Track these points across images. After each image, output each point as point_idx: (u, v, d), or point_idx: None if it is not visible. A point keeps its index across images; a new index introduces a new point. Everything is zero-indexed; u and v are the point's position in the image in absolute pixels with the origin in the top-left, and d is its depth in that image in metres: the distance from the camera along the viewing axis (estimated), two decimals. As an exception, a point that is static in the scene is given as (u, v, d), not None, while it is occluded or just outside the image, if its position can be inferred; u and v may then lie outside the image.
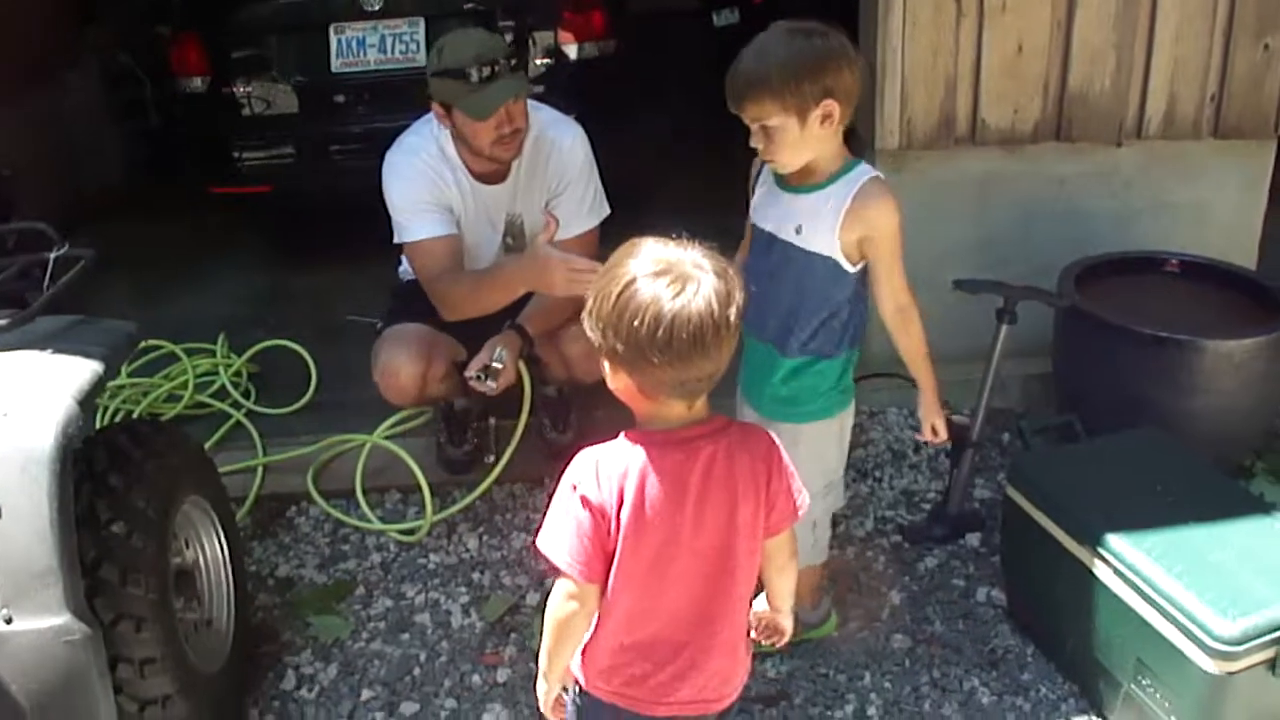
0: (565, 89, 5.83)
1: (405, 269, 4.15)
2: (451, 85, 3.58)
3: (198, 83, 5.97)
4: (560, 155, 3.87)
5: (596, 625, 2.16)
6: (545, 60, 5.84)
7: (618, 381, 2.04)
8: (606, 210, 3.97)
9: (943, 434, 3.15)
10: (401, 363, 3.84)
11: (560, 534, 2.04)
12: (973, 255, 4.42)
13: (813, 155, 2.79)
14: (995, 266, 4.12)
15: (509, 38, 5.83)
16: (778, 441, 2.20)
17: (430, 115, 3.77)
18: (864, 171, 2.83)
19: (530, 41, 5.85)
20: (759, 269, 2.98)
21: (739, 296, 1.96)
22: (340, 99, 5.83)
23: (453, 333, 3.89)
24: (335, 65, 5.74)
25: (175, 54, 6.02)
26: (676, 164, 6.79)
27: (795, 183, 2.88)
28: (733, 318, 1.94)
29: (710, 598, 2.15)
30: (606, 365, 2.03)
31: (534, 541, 2.12)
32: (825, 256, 2.85)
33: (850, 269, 2.87)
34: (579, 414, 4.27)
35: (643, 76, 6.53)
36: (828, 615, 3.48)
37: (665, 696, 2.20)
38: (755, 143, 2.79)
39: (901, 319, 2.97)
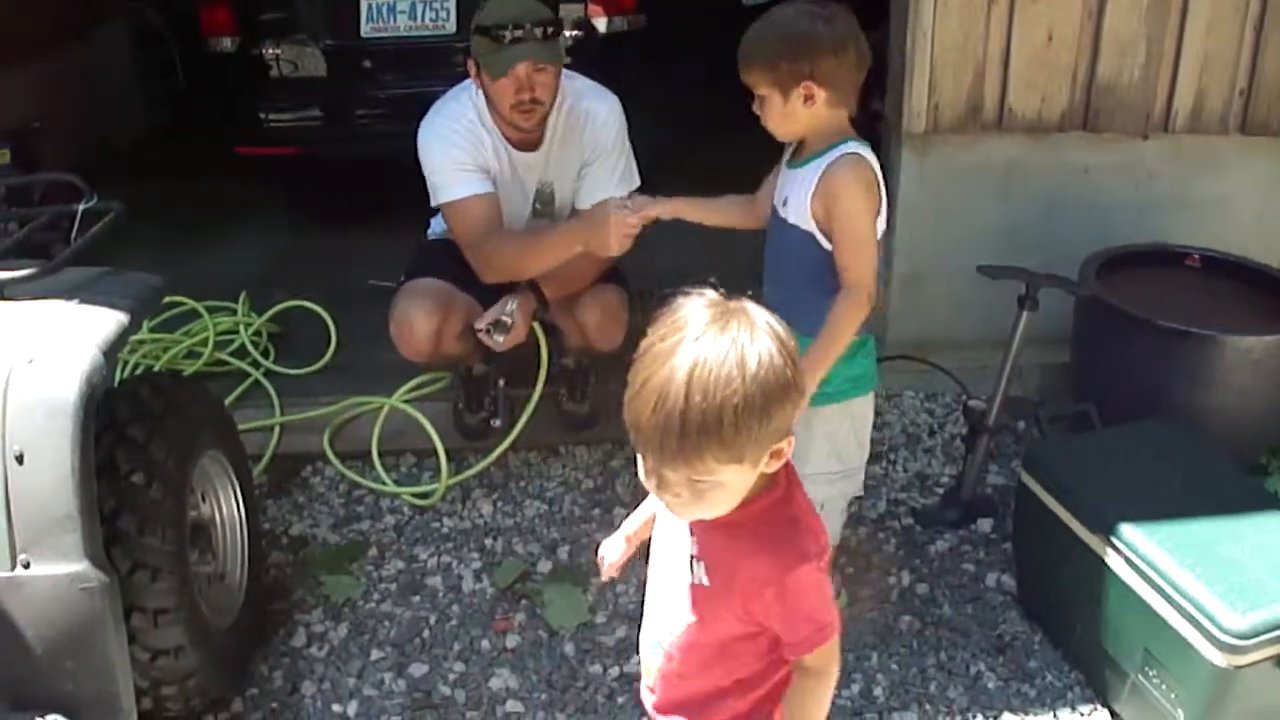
0: (593, 63, 5.81)
1: (434, 229, 4.17)
2: (482, 42, 3.61)
3: (226, 43, 5.96)
4: (595, 126, 3.88)
5: None
6: (574, 33, 5.82)
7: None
8: (637, 181, 3.96)
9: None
10: (417, 315, 3.84)
11: (829, 607, 1.94)
12: (995, 242, 4.42)
13: (802, 130, 2.87)
14: (1017, 254, 4.11)
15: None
16: None
17: (469, 82, 3.79)
18: (845, 148, 2.84)
19: (558, 13, 5.84)
20: (768, 246, 3.07)
21: None
22: (368, 64, 5.83)
23: (471, 294, 3.90)
24: (365, 30, 5.74)
25: (205, 14, 6.01)
26: (704, 141, 6.77)
27: (796, 158, 2.95)
28: None
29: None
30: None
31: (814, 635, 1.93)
32: (804, 230, 2.89)
33: (828, 245, 2.88)
34: (597, 385, 4.28)
35: (671, 52, 6.53)
36: (837, 594, 3.49)
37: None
38: (755, 108, 2.88)
39: (843, 297, 2.84)
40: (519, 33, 3.56)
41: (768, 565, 1.87)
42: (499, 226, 3.78)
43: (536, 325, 3.93)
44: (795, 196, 2.89)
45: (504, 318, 3.69)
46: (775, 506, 1.89)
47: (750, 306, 1.77)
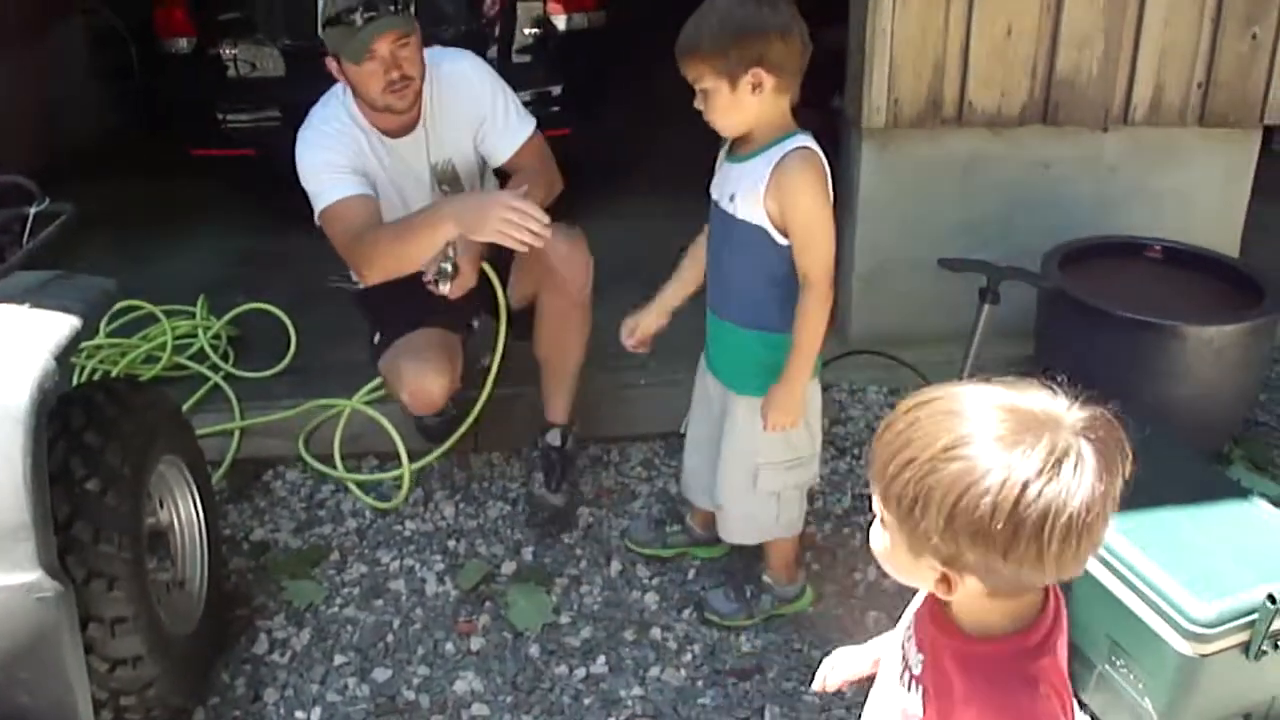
0: (553, 60, 5.81)
1: None
2: (334, 33, 3.44)
3: (183, 44, 5.91)
4: (469, 84, 3.72)
5: None
6: (533, 30, 5.80)
7: (960, 591, 1.54)
8: (532, 119, 3.81)
9: (790, 424, 3.00)
10: (430, 378, 3.63)
11: None
12: (956, 236, 4.42)
13: (749, 122, 2.84)
14: (978, 248, 4.11)
15: (495, 11, 5.81)
16: None
17: (337, 88, 3.66)
18: (793, 141, 2.83)
19: (517, 11, 5.81)
20: (713, 241, 3.07)
21: (1121, 462, 1.47)
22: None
23: (451, 321, 3.78)
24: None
25: (161, 14, 5.95)
26: (664, 139, 6.76)
27: (737, 151, 2.94)
28: (1118, 490, 1.47)
29: None
30: (947, 573, 1.51)
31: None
32: (754, 225, 2.89)
33: (781, 241, 2.88)
34: (576, 469, 4.11)
35: (631, 50, 6.51)
36: (803, 590, 3.48)
37: None
38: (697, 104, 2.84)
39: (805, 298, 2.89)
40: (371, 13, 3.39)
41: None
42: (376, 221, 3.54)
43: (486, 266, 3.69)
44: (744, 191, 2.88)
45: (445, 264, 3.46)
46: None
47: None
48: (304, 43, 5.74)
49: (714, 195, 3.03)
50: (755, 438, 3.08)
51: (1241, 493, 3.17)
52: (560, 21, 5.85)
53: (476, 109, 3.73)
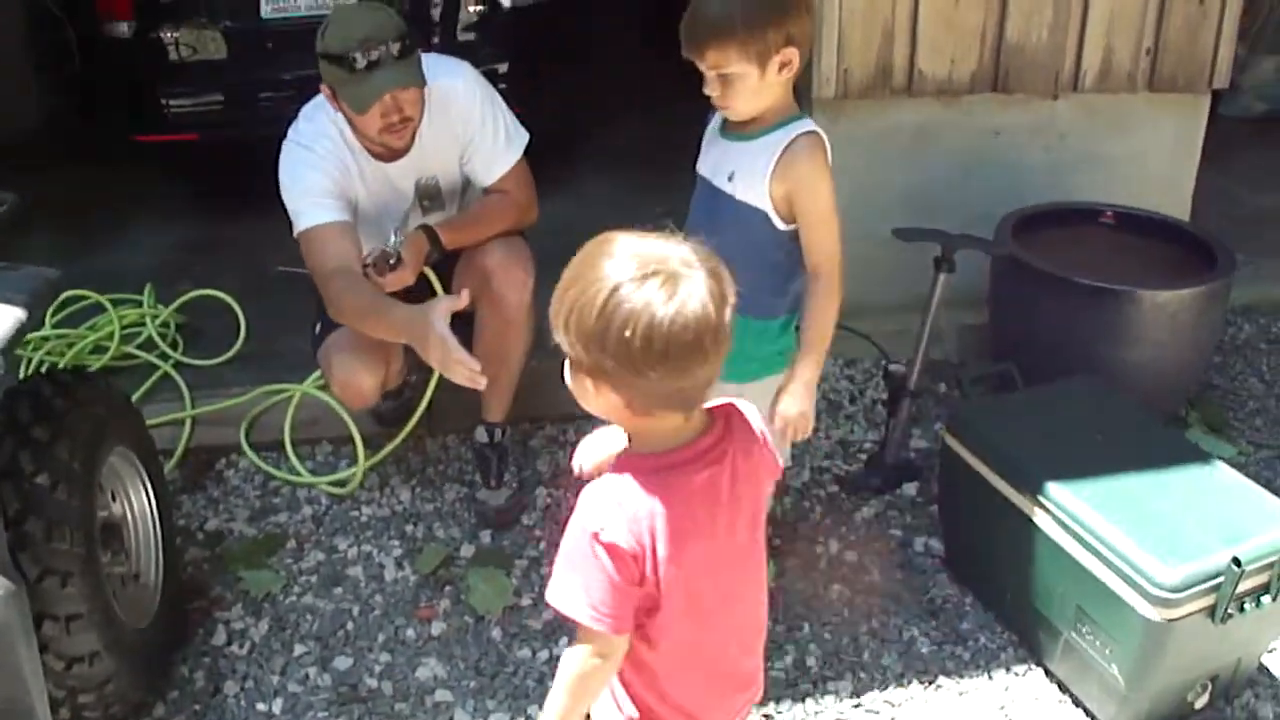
0: (500, 37, 5.75)
1: None
2: (334, 70, 3.33)
3: (123, 27, 5.80)
4: (459, 102, 3.61)
5: (644, 685, 1.97)
6: (479, 8, 5.74)
7: (601, 400, 1.81)
8: (525, 135, 3.74)
9: (804, 430, 2.86)
10: (360, 375, 3.60)
11: (584, 586, 1.81)
12: (909, 205, 4.40)
13: (769, 103, 2.75)
14: (931, 217, 4.10)
15: None
16: (748, 406, 2.05)
17: (323, 98, 3.52)
18: (801, 125, 2.77)
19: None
20: (698, 219, 2.96)
21: (732, 296, 1.79)
22: (270, 45, 5.70)
23: None
24: (265, 11, 5.62)
25: (101, -3, 5.87)
26: (612, 114, 6.73)
27: (736, 130, 2.85)
28: (728, 318, 1.77)
29: (752, 597, 2.06)
30: (589, 384, 1.79)
31: (545, 594, 1.93)
32: (756, 208, 2.81)
33: (782, 225, 2.82)
34: (511, 458, 4.01)
35: (578, 25, 6.47)
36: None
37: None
38: (710, 90, 2.73)
39: (818, 293, 2.84)
40: (374, 55, 3.26)
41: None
42: (352, 260, 3.41)
43: (429, 271, 3.64)
44: (746, 172, 2.81)
45: (388, 249, 3.42)
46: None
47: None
48: (246, 24, 5.69)
49: (704, 173, 2.95)
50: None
51: (1202, 456, 3.18)
52: (507, -1, 5.79)
53: (465, 129, 3.63)
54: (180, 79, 5.81)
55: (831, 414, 4.31)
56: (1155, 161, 4.71)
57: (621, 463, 1.88)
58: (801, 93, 4.42)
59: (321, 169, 3.49)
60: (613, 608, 1.81)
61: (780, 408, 2.81)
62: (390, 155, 3.58)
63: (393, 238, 3.41)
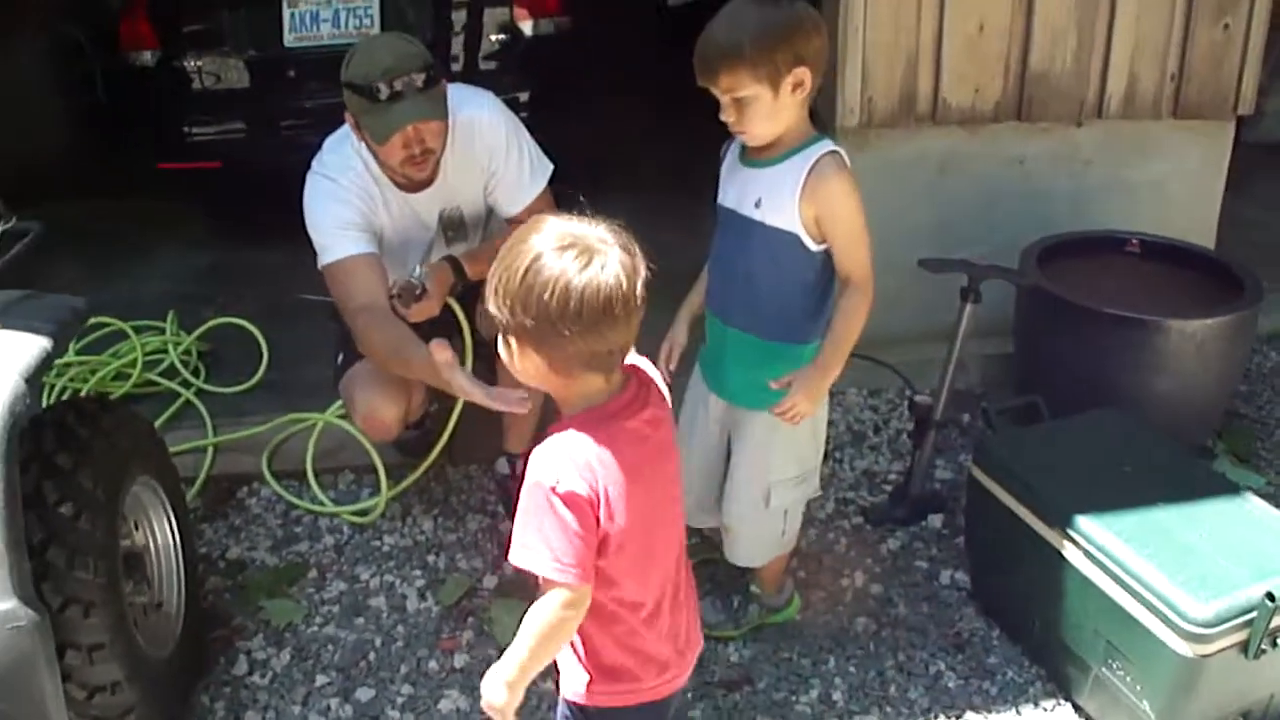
0: (519, 66, 5.77)
1: None
2: (357, 100, 3.30)
3: (147, 56, 5.85)
4: (483, 133, 3.55)
5: (595, 627, 2.11)
6: (500, 36, 5.76)
7: (526, 362, 1.98)
8: (549, 165, 3.71)
9: (806, 409, 2.89)
10: (383, 407, 3.56)
11: (548, 541, 1.94)
12: (933, 235, 4.39)
13: (786, 125, 2.74)
14: (955, 246, 4.09)
15: (461, 17, 5.76)
16: (645, 362, 2.21)
17: (348, 128, 3.50)
18: (823, 146, 2.77)
19: (484, 17, 5.77)
20: (724, 250, 2.96)
21: (644, 270, 1.94)
22: (293, 74, 5.74)
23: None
24: (288, 39, 5.64)
25: (125, 26, 5.90)
26: (630, 142, 6.73)
27: (757, 157, 2.85)
28: (639, 290, 1.93)
29: (679, 542, 2.19)
30: (515, 344, 1.97)
31: (507, 557, 2.04)
32: (787, 232, 2.80)
33: (814, 247, 2.81)
34: None
35: (596, 54, 6.48)
36: (791, 599, 3.44)
37: (668, 670, 2.20)
38: (726, 116, 2.74)
39: (849, 294, 2.84)
40: (398, 85, 3.23)
41: None
42: (379, 294, 3.39)
43: (453, 302, 3.60)
44: (773, 197, 2.80)
45: (414, 280, 3.39)
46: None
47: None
48: (269, 53, 5.71)
49: (728, 204, 2.94)
50: (771, 454, 3.03)
51: (1231, 487, 3.14)
52: (526, 27, 5.80)
53: (490, 160, 3.61)
54: (203, 107, 5.86)
55: (856, 445, 4.29)
56: (1180, 188, 4.69)
57: (559, 425, 2.03)
58: (825, 121, 4.44)
59: (347, 201, 3.47)
60: (575, 558, 1.95)
61: (793, 389, 2.86)
62: (414, 186, 3.57)
63: (417, 269, 3.39)
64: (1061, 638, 3.06)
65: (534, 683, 2.15)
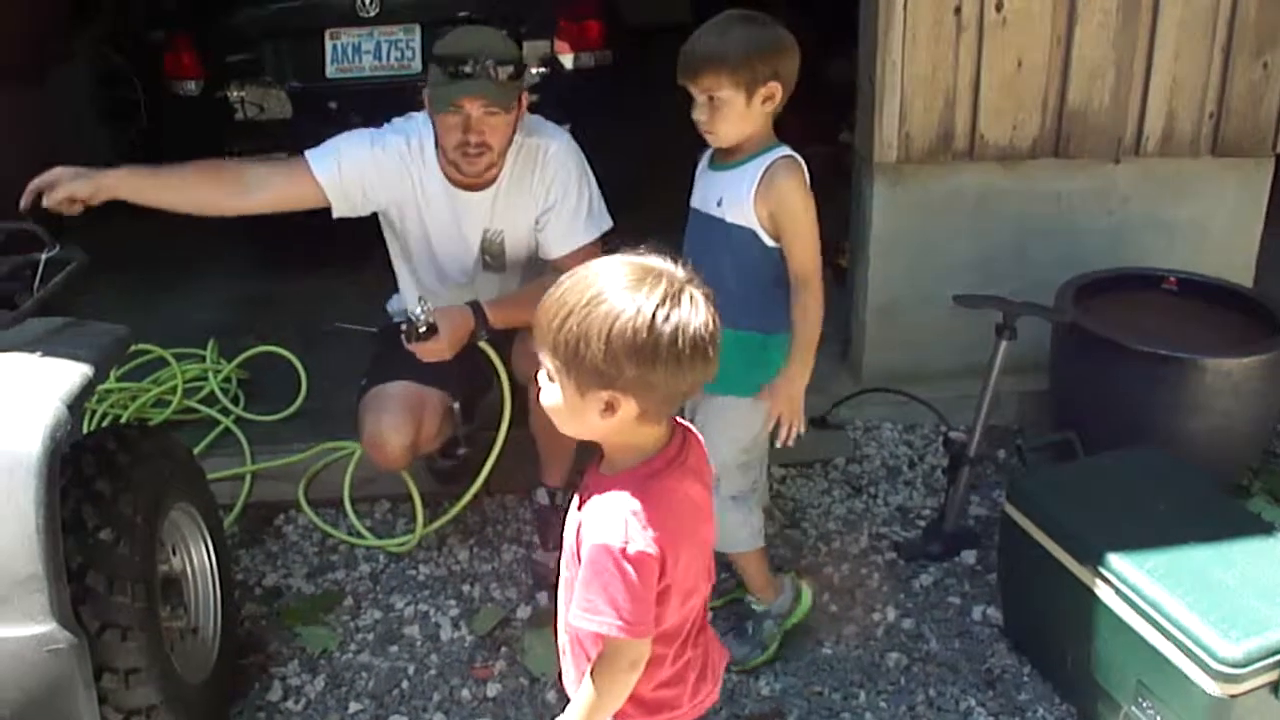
0: (560, 99, 5.80)
1: (392, 305, 4.04)
2: (435, 72, 3.39)
3: (191, 86, 5.93)
4: (547, 163, 3.60)
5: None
6: (540, 69, 5.80)
7: (606, 418, 1.92)
8: (608, 222, 3.72)
9: (797, 425, 3.12)
10: (387, 433, 3.57)
11: (615, 602, 1.91)
12: (969, 271, 4.40)
13: (750, 131, 3.00)
14: (991, 282, 4.10)
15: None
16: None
17: (424, 113, 3.56)
18: (780, 151, 3.02)
19: (523, 50, 5.80)
20: (693, 247, 3.14)
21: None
22: (334, 105, 5.78)
23: (441, 381, 3.65)
24: (330, 71, 5.71)
25: (169, 57, 5.97)
26: (674, 174, 6.75)
27: (722, 161, 3.11)
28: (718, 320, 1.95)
29: (710, 571, 2.19)
30: (591, 402, 1.91)
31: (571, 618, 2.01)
32: (743, 227, 3.04)
33: (769, 243, 3.05)
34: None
35: (636, 87, 6.51)
36: (797, 596, 3.45)
37: (699, 693, 2.23)
38: (698, 115, 2.99)
39: (800, 289, 3.05)
40: (474, 67, 3.31)
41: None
42: (270, 184, 3.62)
43: (486, 347, 3.55)
44: (733, 196, 3.04)
45: (413, 316, 3.34)
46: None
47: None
48: (311, 84, 5.76)
49: (696, 204, 3.20)
50: (716, 435, 3.02)
51: (1264, 527, 3.13)
52: (567, 60, 5.85)
53: (549, 193, 3.61)
54: (246, 137, 5.90)
55: (890, 480, 4.28)
56: (1218, 226, 4.68)
57: (608, 481, 2.00)
58: (863, 156, 4.47)
59: (372, 156, 3.56)
60: (642, 615, 1.94)
61: (773, 399, 3.09)
62: (465, 184, 3.58)
63: (419, 308, 3.35)
64: (1092, 675, 3.05)
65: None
